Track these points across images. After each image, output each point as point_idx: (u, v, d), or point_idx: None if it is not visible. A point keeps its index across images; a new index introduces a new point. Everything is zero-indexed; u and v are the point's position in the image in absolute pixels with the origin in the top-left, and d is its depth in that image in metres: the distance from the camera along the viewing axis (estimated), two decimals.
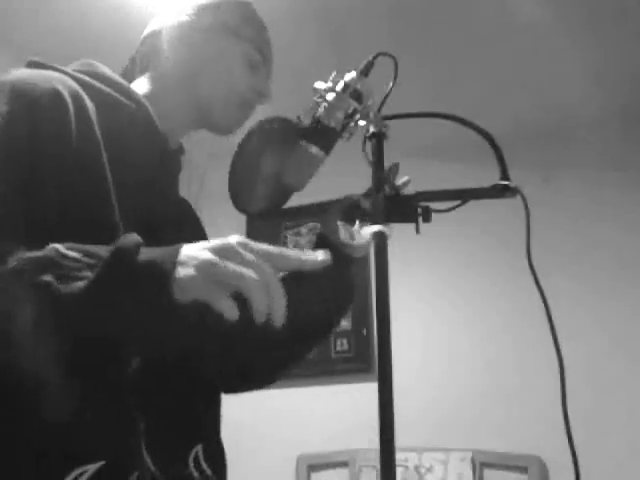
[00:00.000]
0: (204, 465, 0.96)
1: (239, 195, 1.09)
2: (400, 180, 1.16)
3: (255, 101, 1.12)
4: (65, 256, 0.73)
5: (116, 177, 0.91)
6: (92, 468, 0.80)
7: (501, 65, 2.66)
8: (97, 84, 0.98)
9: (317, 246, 1.19)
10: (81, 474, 0.80)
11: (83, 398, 0.82)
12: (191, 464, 0.95)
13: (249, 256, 0.70)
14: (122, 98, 1.00)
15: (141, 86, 1.09)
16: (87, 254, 0.73)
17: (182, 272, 0.69)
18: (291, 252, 0.74)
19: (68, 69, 0.99)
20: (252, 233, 3.35)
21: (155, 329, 0.76)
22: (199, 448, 0.96)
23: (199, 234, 1.17)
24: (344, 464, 2.85)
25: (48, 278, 0.71)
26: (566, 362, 0.95)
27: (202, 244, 0.73)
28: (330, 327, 1.19)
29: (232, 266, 0.69)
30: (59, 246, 0.74)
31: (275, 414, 3.00)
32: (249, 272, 0.69)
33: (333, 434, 2.87)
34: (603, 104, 2.74)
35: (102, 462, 0.81)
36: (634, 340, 2.71)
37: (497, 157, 1.04)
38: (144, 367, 0.90)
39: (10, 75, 0.90)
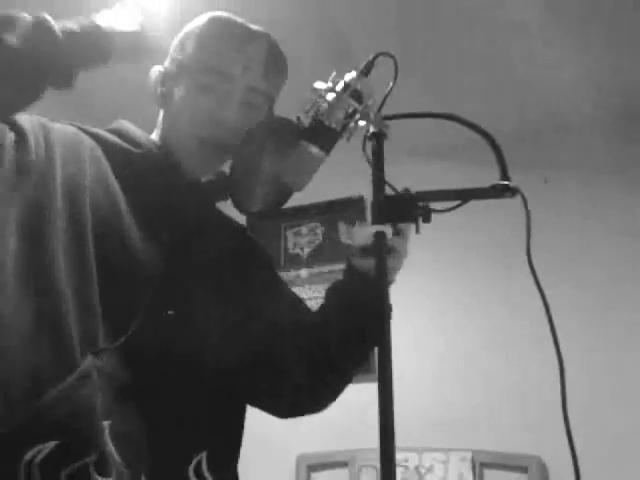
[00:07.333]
0: (206, 473, 0.95)
1: (239, 195, 1.09)
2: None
3: (215, 134, 1.07)
4: None
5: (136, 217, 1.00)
6: (46, 447, 0.82)
7: (501, 65, 2.66)
8: (110, 136, 1.05)
9: (347, 274, 1.15)
10: (37, 453, 0.82)
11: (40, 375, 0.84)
12: (191, 472, 0.94)
13: None
14: (129, 146, 1.05)
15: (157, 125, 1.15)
16: None
17: None
18: None
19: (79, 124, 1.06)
20: (252, 233, 3.34)
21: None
22: (203, 455, 0.95)
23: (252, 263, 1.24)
24: (344, 464, 2.85)
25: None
26: (566, 362, 0.95)
27: None
28: (366, 353, 1.19)
29: None
30: None
31: None
32: None
33: (333, 434, 2.87)
34: (604, 105, 2.73)
35: (56, 442, 0.83)
36: (634, 340, 2.71)
37: (497, 157, 1.04)
38: (144, 368, 0.91)
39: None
